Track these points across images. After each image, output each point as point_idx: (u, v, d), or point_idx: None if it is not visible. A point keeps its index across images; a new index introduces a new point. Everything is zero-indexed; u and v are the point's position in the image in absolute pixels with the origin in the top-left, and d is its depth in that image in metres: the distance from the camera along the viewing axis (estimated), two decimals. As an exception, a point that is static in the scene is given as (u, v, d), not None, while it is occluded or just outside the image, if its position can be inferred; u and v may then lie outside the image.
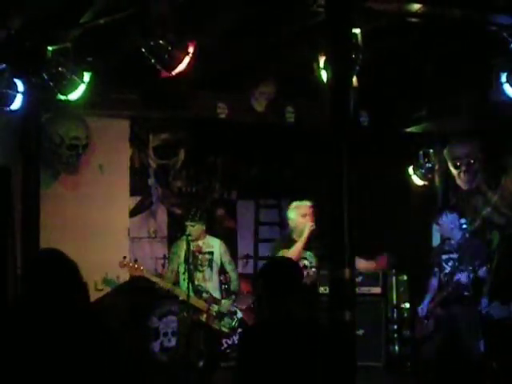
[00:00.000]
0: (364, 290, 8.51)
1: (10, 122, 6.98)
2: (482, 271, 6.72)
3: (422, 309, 6.96)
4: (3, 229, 7.25)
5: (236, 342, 8.34)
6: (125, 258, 6.94)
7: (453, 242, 6.94)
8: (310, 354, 3.59)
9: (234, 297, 7.04)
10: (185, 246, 6.79)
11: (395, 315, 8.68)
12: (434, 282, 7.04)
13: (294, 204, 6.65)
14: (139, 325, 8.28)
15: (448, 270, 6.91)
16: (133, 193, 8.47)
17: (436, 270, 7.06)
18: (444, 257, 6.98)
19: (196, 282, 6.73)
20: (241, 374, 3.67)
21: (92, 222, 7.67)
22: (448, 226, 6.92)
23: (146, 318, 8.41)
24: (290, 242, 6.47)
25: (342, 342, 4.20)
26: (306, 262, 6.44)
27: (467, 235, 7.01)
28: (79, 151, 7.23)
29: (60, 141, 7.12)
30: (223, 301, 6.93)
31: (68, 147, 7.16)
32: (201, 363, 6.73)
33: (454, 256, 6.90)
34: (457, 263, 6.82)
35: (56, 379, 3.26)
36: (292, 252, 6.27)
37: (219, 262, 6.99)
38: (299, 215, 6.50)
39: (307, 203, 6.57)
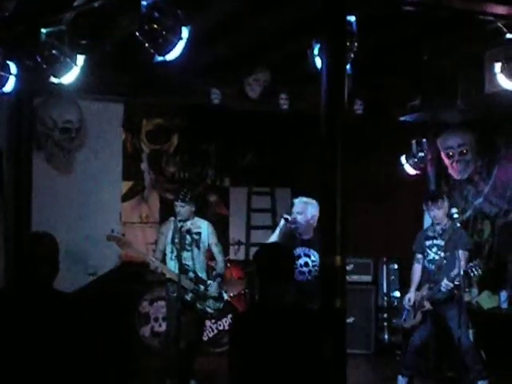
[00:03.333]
0: (355, 278, 8.57)
1: (3, 105, 6.94)
2: (460, 254, 6.61)
3: (410, 299, 6.93)
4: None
5: (226, 327, 8.40)
6: (113, 231, 6.79)
7: (438, 227, 6.88)
8: (300, 340, 3.60)
9: (219, 279, 7.01)
10: (172, 226, 6.78)
11: (385, 304, 8.73)
12: (418, 269, 7.00)
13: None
14: (130, 310, 8.29)
15: (432, 256, 6.88)
16: (125, 177, 8.46)
17: (419, 256, 7.01)
18: (427, 243, 6.93)
19: (183, 262, 6.67)
20: (233, 360, 3.69)
21: (84, 206, 7.67)
22: (439, 215, 6.89)
23: (136, 303, 8.42)
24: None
25: (333, 329, 4.20)
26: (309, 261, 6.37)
27: (450, 222, 6.84)
28: (72, 135, 7.21)
29: (53, 124, 7.09)
30: (209, 281, 6.89)
31: (61, 130, 7.13)
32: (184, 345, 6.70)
33: (438, 242, 6.86)
34: (441, 249, 6.81)
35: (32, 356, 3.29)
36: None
37: (206, 244, 6.98)
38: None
39: (300, 200, 6.41)
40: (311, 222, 6.25)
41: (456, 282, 6.41)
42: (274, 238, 6.34)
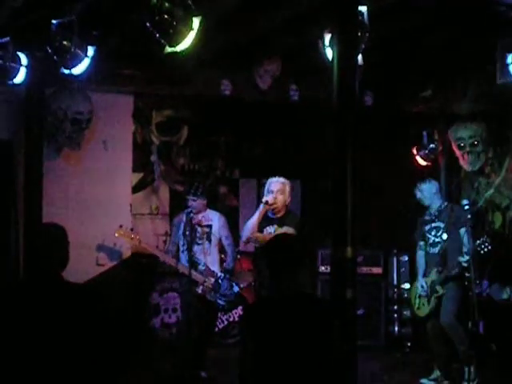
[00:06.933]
0: (365, 270, 8.55)
1: (13, 96, 6.96)
2: (463, 232, 6.61)
3: (423, 286, 6.80)
4: (6, 203, 7.26)
5: (236, 319, 8.41)
6: (121, 226, 6.87)
7: (432, 210, 6.89)
8: (312, 331, 3.60)
9: (228, 276, 6.98)
10: (184, 219, 6.79)
11: (395, 295, 8.72)
12: (422, 255, 6.96)
13: (268, 180, 6.70)
14: (140, 301, 8.31)
15: (432, 239, 6.84)
16: (135, 169, 8.46)
17: (421, 243, 6.97)
18: (426, 227, 6.90)
19: (193, 255, 6.67)
20: (245, 350, 3.69)
21: (94, 198, 7.68)
22: (429, 192, 6.88)
23: (147, 295, 8.44)
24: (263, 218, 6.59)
25: (343, 319, 4.21)
26: None
27: (446, 203, 6.97)
28: (82, 126, 7.22)
29: (63, 115, 7.10)
30: (219, 274, 6.86)
31: (71, 122, 7.14)
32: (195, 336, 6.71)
33: (436, 224, 6.83)
34: (441, 231, 6.77)
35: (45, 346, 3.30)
36: (246, 226, 6.54)
37: (218, 236, 6.96)
38: (266, 191, 6.59)
39: (278, 179, 6.58)
40: (288, 200, 6.49)
41: (464, 264, 6.36)
42: (253, 221, 6.50)
